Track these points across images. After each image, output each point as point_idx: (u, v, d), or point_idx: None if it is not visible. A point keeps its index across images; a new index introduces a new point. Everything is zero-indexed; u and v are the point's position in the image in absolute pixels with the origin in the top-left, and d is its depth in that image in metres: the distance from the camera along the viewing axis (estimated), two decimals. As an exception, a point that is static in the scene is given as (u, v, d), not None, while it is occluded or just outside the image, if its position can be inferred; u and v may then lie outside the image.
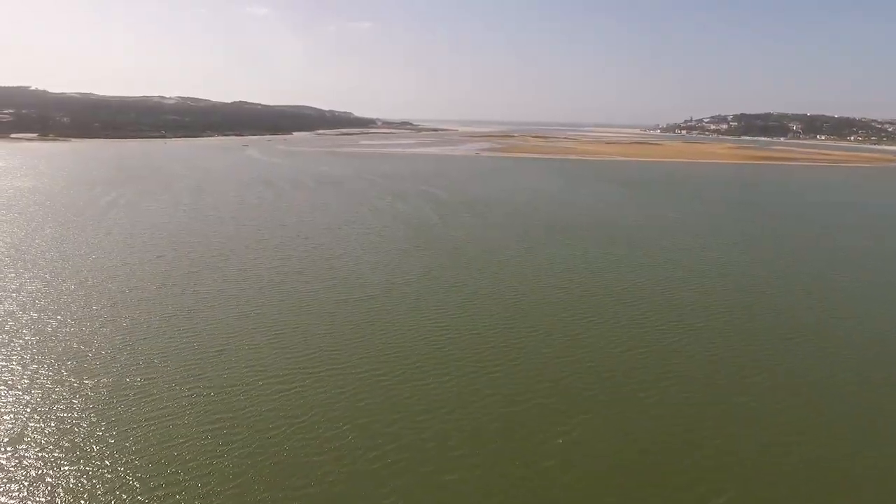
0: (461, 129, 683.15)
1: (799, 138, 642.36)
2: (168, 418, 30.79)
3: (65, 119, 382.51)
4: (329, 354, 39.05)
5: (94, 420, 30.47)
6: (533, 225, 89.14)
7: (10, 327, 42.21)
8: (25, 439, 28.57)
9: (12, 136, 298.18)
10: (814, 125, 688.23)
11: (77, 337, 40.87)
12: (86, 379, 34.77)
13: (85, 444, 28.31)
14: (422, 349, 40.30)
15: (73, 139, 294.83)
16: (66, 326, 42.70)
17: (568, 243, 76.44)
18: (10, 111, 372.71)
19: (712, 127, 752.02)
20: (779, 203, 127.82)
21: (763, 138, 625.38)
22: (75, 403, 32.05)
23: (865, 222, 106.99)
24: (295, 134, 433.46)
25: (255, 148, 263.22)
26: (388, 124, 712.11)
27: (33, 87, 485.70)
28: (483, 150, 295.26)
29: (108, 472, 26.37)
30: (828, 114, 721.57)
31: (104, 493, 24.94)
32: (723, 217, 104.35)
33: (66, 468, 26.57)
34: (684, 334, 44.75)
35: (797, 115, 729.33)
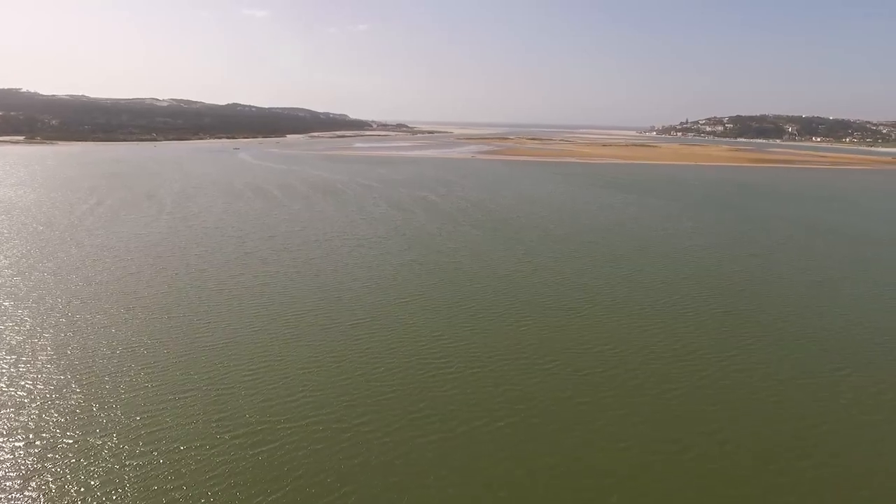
0: (457, 131, 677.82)
1: (795, 140, 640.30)
2: (105, 492, 25.24)
3: (53, 121, 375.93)
4: (312, 401, 33.43)
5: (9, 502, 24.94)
6: (534, 235, 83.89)
7: (-57, 364, 36.62)
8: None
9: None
10: (809, 127, 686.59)
11: (9, 378, 35.13)
12: (9, 440, 29.04)
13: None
14: (418, 392, 34.70)
15: (60, 142, 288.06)
16: (1, 364, 37.00)
17: (573, 256, 71.21)
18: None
19: (708, 129, 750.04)
20: (785, 208, 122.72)
21: (759, 140, 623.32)
22: (-4, 471, 26.47)
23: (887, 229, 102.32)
24: (288, 136, 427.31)
25: (246, 151, 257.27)
26: (383, 126, 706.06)
27: (24, 90, 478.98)
28: (479, 152, 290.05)
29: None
30: (823, 115, 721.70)
31: None
32: (730, 224, 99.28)
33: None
34: (712, 363, 39.57)
35: (793, 116, 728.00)
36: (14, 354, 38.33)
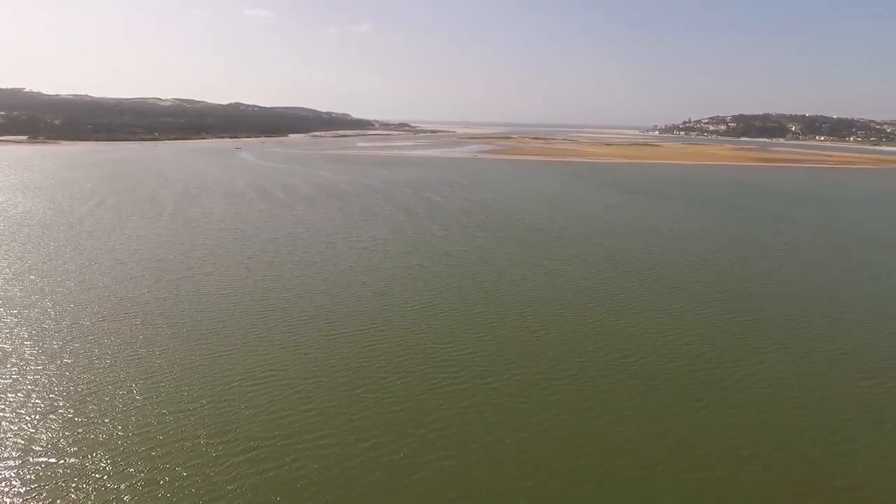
0: (459, 130, 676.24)
1: (798, 139, 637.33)
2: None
3: (56, 121, 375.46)
4: (318, 415, 31.80)
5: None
6: (541, 237, 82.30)
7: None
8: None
9: (1, 138, 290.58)
10: (813, 126, 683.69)
11: None
12: None
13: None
14: (429, 405, 33.02)
15: (62, 142, 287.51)
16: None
17: (582, 259, 69.63)
18: (2, 113, 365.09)
19: (711, 128, 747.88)
20: (790, 208, 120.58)
21: (762, 139, 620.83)
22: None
23: None
24: (290, 136, 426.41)
25: (248, 151, 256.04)
26: (385, 126, 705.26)
27: (27, 90, 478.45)
28: (482, 152, 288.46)
29: None
30: (826, 114, 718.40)
31: None
32: (737, 224, 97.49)
33: None
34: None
35: (796, 115, 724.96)
36: (0, 365, 36.86)
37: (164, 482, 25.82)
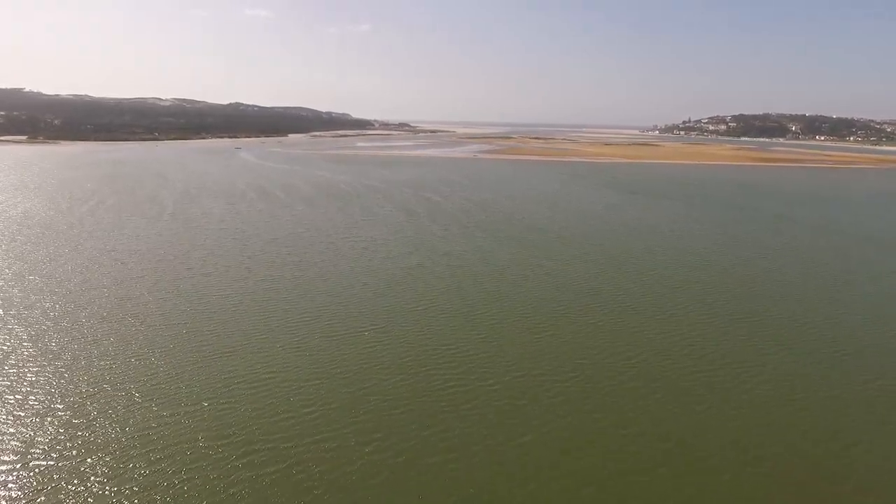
0: (459, 130, 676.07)
1: (798, 139, 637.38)
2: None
3: (56, 121, 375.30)
4: (319, 416, 31.66)
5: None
6: (542, 237, 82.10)
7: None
8: None
9: (1, 138, 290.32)
10: (813, 126, 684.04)
11: None
12: None
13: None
14: (430, 408, 32.90)
15: (62, 142, 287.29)
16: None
17: (583, 259, 69.45)
18: (2, 113, 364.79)
19: (711, 128, 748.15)
20: (790, 208, 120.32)
21: (762, 139, 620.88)
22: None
23: None
24: (290, 136, 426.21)
25: (248, 151, 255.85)
26: (385, 126, 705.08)
27: (27, 90, 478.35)
28: (481, 152, 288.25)
29: None
30: (826, 114, 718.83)
31: None
32: (736, 224, 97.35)
33: None
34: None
35: (796, 115, 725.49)
36: (0, 365, 36.70)
37: (164, 485, 25.68)
